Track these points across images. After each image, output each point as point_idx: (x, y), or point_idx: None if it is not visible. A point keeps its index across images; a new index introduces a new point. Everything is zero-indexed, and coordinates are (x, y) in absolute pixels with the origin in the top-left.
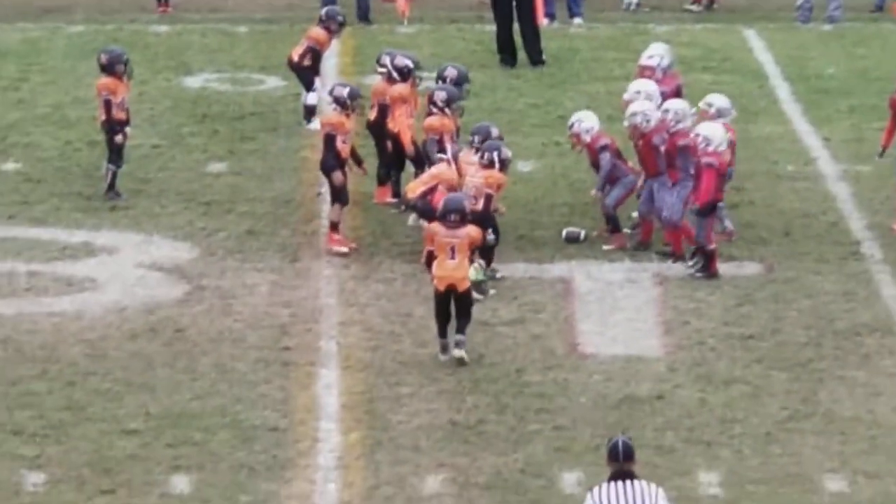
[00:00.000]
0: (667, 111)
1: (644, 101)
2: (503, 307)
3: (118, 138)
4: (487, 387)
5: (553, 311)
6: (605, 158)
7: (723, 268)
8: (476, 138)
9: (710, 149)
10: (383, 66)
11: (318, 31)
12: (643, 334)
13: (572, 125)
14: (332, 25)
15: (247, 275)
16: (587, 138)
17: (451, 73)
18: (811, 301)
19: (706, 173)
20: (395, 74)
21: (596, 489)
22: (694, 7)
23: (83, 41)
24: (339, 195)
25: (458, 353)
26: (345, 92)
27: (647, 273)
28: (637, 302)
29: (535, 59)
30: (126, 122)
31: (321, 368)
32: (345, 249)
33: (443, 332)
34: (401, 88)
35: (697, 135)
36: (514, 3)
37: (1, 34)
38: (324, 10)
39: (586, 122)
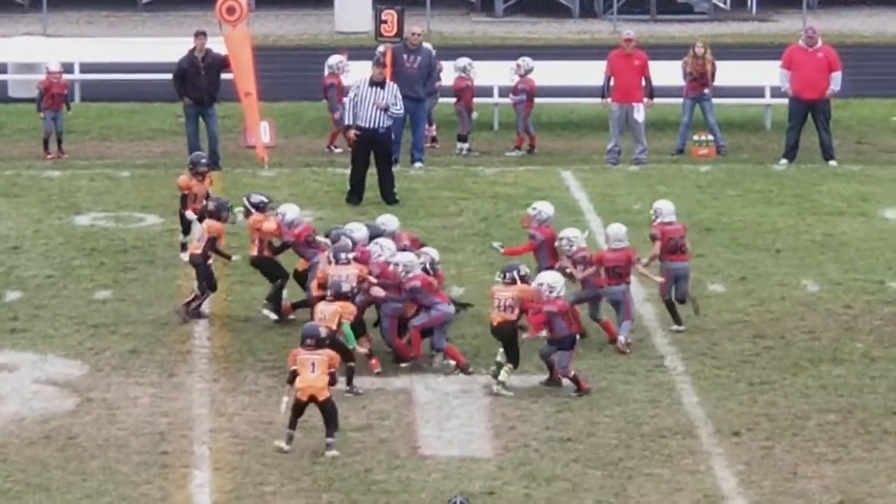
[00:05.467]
0: (540, 284)
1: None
2: (353, 415)
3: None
4: (340, 484)
5: (396, 418)
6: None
7: (544, 379)
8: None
9: (553, 295)
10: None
11: (183, 178)
12: (475, 438)
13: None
14: (198, 169)
15: (130, 388)
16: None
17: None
18: (621, 408)
19: (551, 320)
20: (252, 210)
21: None
22: (514, 153)
23: None
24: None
25: (329, 453)
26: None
27: (479, 384)
28: (470, 409)
29: (390, 198)
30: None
31: (195, 470)
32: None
33: (292, 426)
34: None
35: (540, 284)
36: (372, 152)
37: None
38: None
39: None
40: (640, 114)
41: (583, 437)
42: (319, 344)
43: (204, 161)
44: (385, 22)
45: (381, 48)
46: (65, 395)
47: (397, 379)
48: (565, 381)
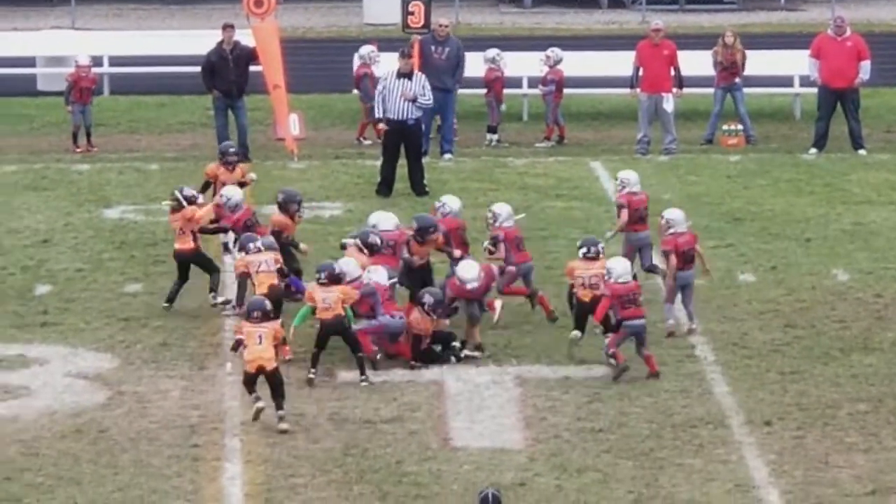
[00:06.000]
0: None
1: None
2: (384, 407)
3: None
4: (371, 476)
5: (427, 410)
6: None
7: (574, 370)
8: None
9: (611, 280)
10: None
11: (212, 166)
12: (506, 429)
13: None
14: (227, 158)
15: (161, 381)
16: None
17: None
18: (652, 398)
19: (602, 301)
20: (184, 203)
21: None
22: (544, 144)
23: (15, 179)
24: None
25: (282, 426)
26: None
27: (510, 376)
28: (501, 401)
29: (420, 190)
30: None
31: (226, 463)
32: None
33: (252, 392)
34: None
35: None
36: (402, 144)
37: None
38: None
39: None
40: (669, 104)
41: (614, 428)
42: (265, 316)
43: (233, 150)
44: (412, 13)
45: (413, 39)
46: (96, 388)
47: (428, 371)
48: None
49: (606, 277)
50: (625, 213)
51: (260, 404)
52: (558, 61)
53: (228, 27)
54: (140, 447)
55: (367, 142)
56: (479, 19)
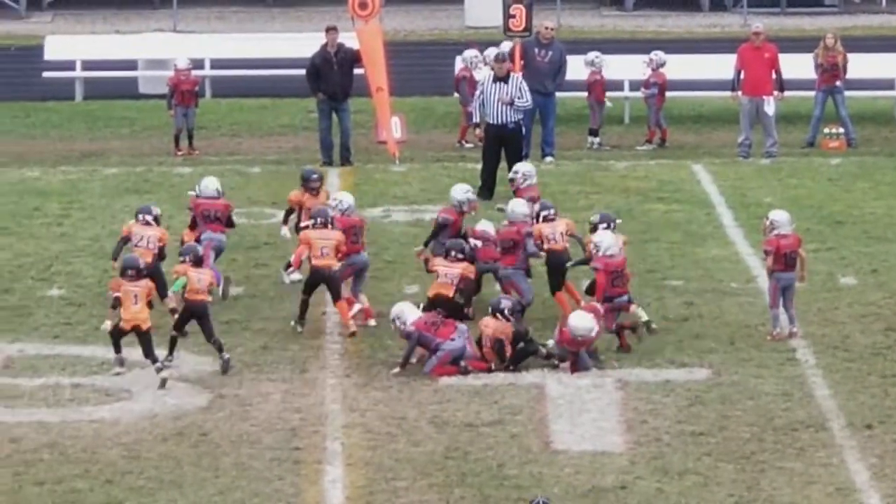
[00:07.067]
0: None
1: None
2: (485, 410)
3: None
4: (472, 480)
5: (528, 413)
6: None
7: (675, 373)
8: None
9: (600, 254)
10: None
11: (296, 193)
12: (607, 432)
13: None
14: (310, 184)
15: (262, 385)
16: None
17: None
18: (753, 401)
19: (597, 275)
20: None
21: None
22: (645, 147)
23: (117, 181)
24: None
25: (163, 374)
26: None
27: (611, 379)
28: (602, 404)
29: None
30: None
31: (327, 466)
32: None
33: (118, 350)
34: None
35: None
36: (502, 147)
37: (46, 176)
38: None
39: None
40: (770, 107)
41: (715, 431)
42: (139, 275)
43: (316, 176)
44: (513, 16)
45: (504, 44)
46: (197, 391)
47: (529, 374)
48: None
49: (595, 251)
50: (770, 260)
51: (120, 369)
52: (661, 64)
53: (332, 30)
54: (241, 450)
55: (469, 145)
56: (580, 22)
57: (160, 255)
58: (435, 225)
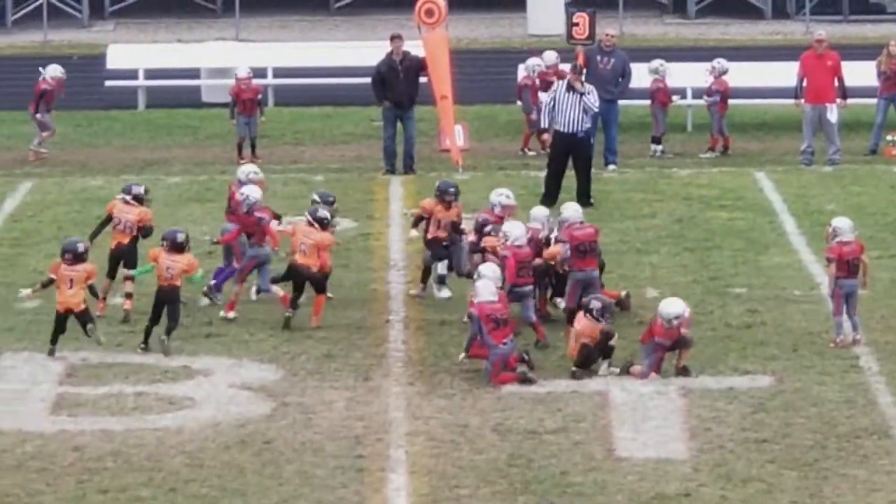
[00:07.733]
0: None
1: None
2: (549, 417)
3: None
4: (536, 487)
5: (592, 420)
6: None
7: (739, 380)
8: None
9: (508, 243)
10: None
11: (429, 201)
12: (671, 439)
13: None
14: (445, 197)
15: (325, 392)
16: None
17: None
18: (817, 409)
19: (506, 263)
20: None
21: None
22: (708, 155)
23: (180, 190)
24: None
25: (93, 336)
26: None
27: (674, 386)
28: (665, 411)
29: (585, 201)
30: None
31: (391, 474)
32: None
33: (54, 341)
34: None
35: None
36: (570, 155)
37: (109, 185)
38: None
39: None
40: (833, 114)
41: (778, 438)
42: (77, 259)
43: (452, 190)
44: (577, 24)
45: (546, 53)
46: (260, 399)
47: (592, 381)
48: None
49: (504, 240)
50: (832, 268)
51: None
52: (723, 72)
53: (397, 37)
54: (305, 458)
55: (532, 153)
56: (643, 30)
57: (144, 233)
58: (476, 225)
